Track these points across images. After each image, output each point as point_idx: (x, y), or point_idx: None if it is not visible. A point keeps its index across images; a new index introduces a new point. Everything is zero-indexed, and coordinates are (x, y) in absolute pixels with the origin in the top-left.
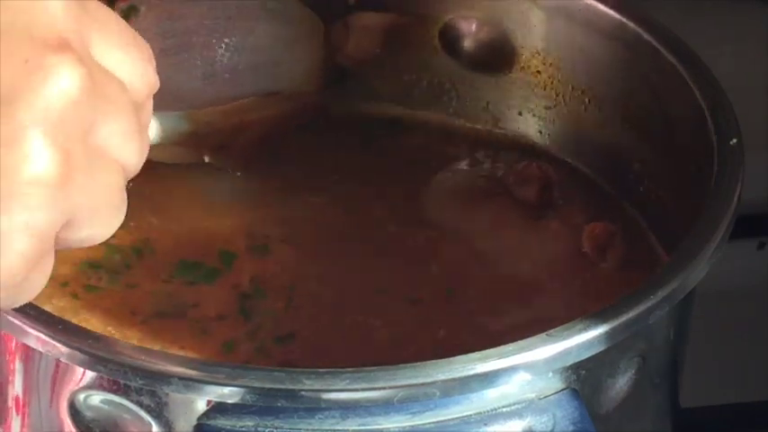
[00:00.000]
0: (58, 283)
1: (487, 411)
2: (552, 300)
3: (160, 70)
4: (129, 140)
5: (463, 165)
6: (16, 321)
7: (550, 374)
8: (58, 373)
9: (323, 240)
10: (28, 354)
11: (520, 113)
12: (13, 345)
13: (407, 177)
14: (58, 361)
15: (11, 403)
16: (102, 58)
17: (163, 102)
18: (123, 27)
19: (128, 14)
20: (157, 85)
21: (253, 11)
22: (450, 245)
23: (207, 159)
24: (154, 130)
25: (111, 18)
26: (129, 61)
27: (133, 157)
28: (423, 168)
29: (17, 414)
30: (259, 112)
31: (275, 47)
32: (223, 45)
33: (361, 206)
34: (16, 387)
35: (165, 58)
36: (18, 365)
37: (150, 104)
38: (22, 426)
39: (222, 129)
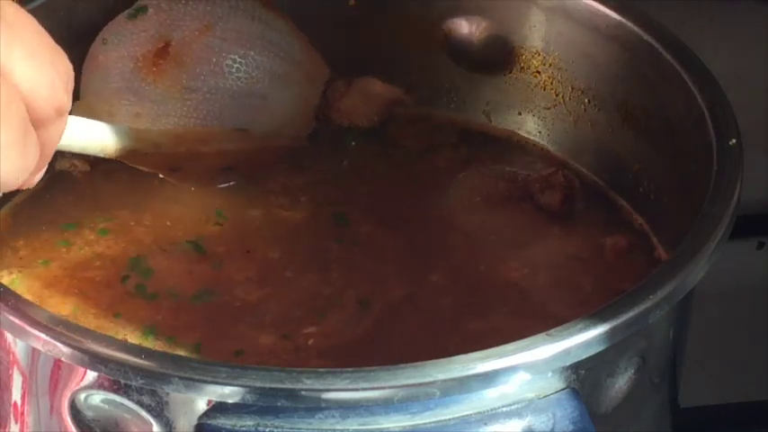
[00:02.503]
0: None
1: (487, 411)
2: (567, 303)
3: (145, 75)
4: (4, 152)
5: (472, 166)
6: (17, 321)
7: (550, 374)
8: (59, 373)
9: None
10: (29, 354)
11: (520, 114)
12: (14, 345)
13: (409, 178)
14: (58, 361)
15: (11, 404)
16: (8, 66)
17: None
18: (41, 43)
19: (136, 13)
20: (66, 107)
21: (249, 38)
22: (470, 246)
23: (161, 176)
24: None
25: (29, 31)
26: (35, 77)
27: (8, 170)
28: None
29: (18, 415)
30: (219, 145)
31: (265, 80)
32: (212, 63)
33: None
34: (17, 388)
35: (151, 66)
36: (19, 366)
37: (60, 124)
38: (23, 426)
39: (174, 153)
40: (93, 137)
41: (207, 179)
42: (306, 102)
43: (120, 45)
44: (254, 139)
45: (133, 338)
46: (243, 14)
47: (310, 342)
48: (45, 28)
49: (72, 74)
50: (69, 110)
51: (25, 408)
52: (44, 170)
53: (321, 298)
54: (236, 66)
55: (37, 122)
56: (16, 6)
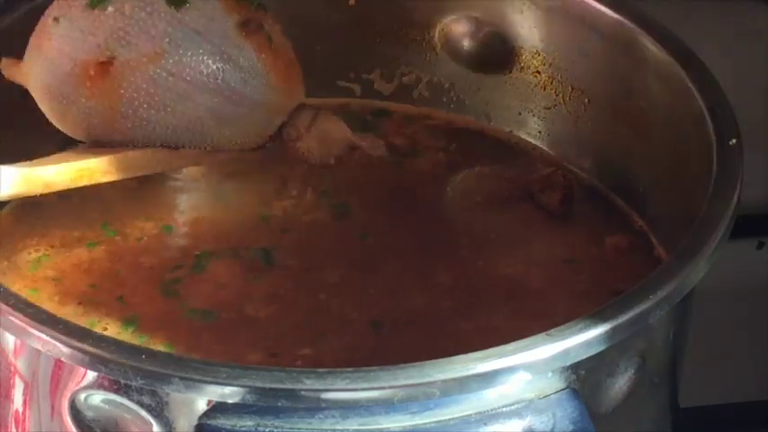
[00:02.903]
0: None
1: (487, 411)
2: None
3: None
4: None
5: (472, 166)
6: (18, 321)
7: (550, 374)
8: (59, 374)
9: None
10: (29, 354)
11: (519, 113)
12: (15, 345)
13: (410, 178)
14: (58, 361)
15: (11, 404)
16: None
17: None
18: None
19: (96, 2)
20: None
21: (201, 79)
22: (470, 246)
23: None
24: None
25: None
26: None
27: None
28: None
29: (18, 415)
30: (135, 172)
31: (210, 122)
32: (152, 97)
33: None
34: (17, 388)
35: (86, 77)
36: (19, 366)
37: None
38: (23, 427)
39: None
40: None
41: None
42: (256, 136)
43: (67, 37)
44: (181, 158)
45: (112, 327)
46: (206, 47)
47: (298, 363)
48: None
49: None
50: None
51: (25, 408)
52: None
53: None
54: (179, 108)
55: None
56: None
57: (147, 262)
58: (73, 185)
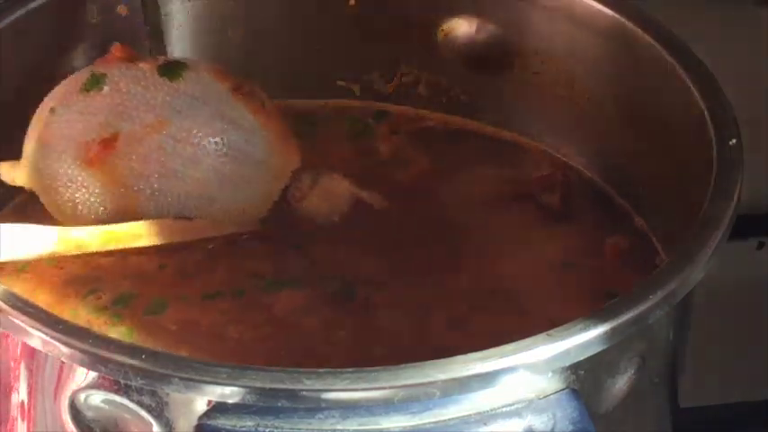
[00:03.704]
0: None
1: (487, 411)
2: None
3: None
4: None
5: (472, 166)
6: (18, 322)
7: (550, 374)
8: (59, 373)
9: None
10: (30, 354)
11: (519, 113)
12: (15, 345)
13: (409, 179)
14: (58, 361)
15: (14, 405)
16: None
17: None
18: None
19: (91, 86)
20: None
21: (206, 140)
22: (470, 246)
23: None
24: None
25: None
26: None
27: None
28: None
29: (20, 415)
30: (156, 239)
31: (216, 184)
32: (161, 165)
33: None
34: (17, 388)
35: (94, 156)
36: (20, 366)
37: None
38: (24, 427)
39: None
40: (26, 246)
41: None
42: (262, 200)
43: (67, 123)
44: (196, 229)
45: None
46: (207, 110)
47: None
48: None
49: None
50: None
51: (25, 408)
52: None
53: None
54: (189, 172)
55: None
56: None
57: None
58: (102, 248)
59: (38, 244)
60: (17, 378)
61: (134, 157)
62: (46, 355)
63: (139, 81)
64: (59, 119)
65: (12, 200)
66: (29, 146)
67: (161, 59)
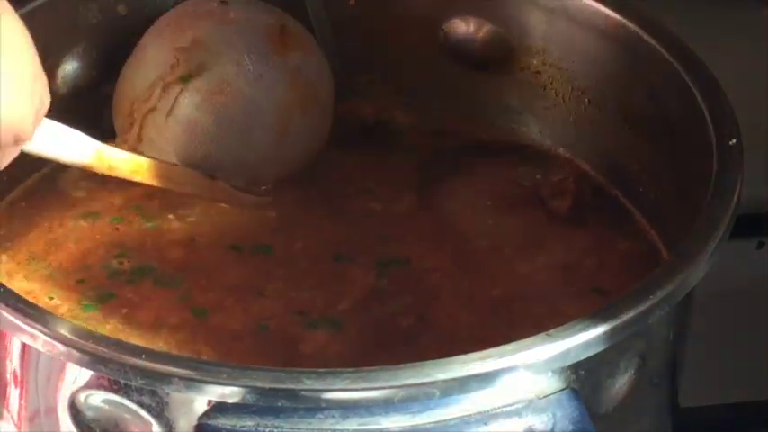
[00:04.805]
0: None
1: (487, 411)
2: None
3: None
4: None
5: (472, 167)
6: (18, 321)
7: (550, 374)
8: (60, 373)
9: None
10: (29, 354)
11: (520, 114)
12: (15, 345)
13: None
14: (59, 361)
15: (14, 405)
16: None
17: None
18: (22, 61)
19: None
20: (28, 138)
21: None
22: (477, 250)
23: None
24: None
25: (10, 43)
26: (1, 98)
27: None
28: (431, 169)
29: (20, 415)
30: (190, 190)
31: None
32: None
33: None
34: (17, 388)
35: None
36: (19, 366)
37: (13, 152)
38: (24, 427)
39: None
40: (65, 148)
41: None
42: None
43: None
44: (216, 191)
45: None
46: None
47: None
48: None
49: (47, 104)
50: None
51: (25, 408)
52: None
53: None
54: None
55: None
56: (6, 13)
57: None
58: (128, 177)
59: (74, 150)
60: (17, 378)
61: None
62: (46, 355)
63: None
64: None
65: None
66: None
67: None
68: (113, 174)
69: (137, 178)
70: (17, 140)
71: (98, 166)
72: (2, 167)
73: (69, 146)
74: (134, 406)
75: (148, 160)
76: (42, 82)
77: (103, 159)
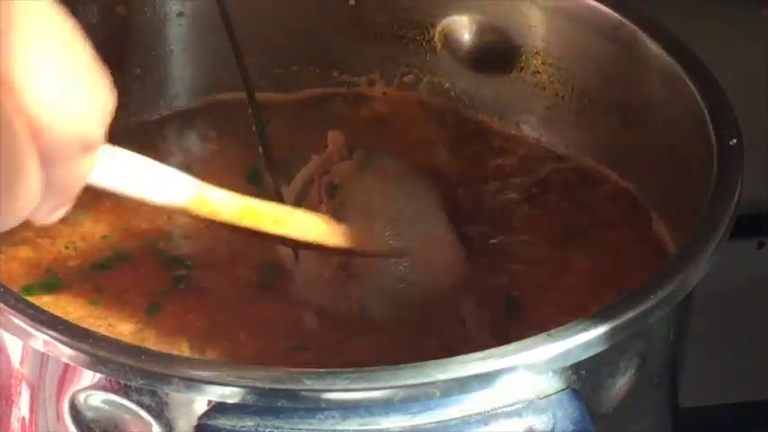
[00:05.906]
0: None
1: (487, 411)
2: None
3: None
4: None
5: (472, 167)
6: (18, 322)
7: (550, 374)
8: (59, 374)
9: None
10: (29, 354)
11: (520, 114)
12: (15, 346)
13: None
14: (58, 361)
15: (13, 405)
16: (15, 76)
17: None
18: (74, 54)
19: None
20: (97, 142)
21: None
22: (477, 251)
23: None
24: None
25: (59, 36)
26: (54, 98)
27: None
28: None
29: (19, 416)
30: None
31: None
32: None
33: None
34: (16, 388)
35: None
36: (19, 367)
37: (86, 162)
38: (24, 427)
39: None
40: (158, 187)
41: None
42: None
43: None
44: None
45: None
46: None
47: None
48: None
49: (112, 103)
50: (101, 145)
51: (25, 409)
52: (65, 209)
53: None
54: None
55: (50, 158)
56: (52, 4)
57: None
58: (235, 222)
59: (169, 191)
60: (17, 378)
61: None
62: (46, 355)
63: None
64: None
65: None
66: None
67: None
68: (215, 218)
69: (245, 223)
70: (86, 147)
71: (196, 209)
72: (83, 185)
73: (163, 185)
74: (134, 406)
75: (262, 202)
76: (101, 77)
77: (204, 203)
